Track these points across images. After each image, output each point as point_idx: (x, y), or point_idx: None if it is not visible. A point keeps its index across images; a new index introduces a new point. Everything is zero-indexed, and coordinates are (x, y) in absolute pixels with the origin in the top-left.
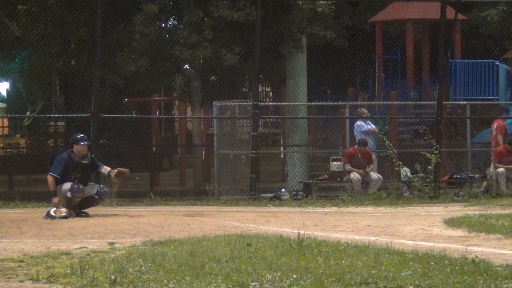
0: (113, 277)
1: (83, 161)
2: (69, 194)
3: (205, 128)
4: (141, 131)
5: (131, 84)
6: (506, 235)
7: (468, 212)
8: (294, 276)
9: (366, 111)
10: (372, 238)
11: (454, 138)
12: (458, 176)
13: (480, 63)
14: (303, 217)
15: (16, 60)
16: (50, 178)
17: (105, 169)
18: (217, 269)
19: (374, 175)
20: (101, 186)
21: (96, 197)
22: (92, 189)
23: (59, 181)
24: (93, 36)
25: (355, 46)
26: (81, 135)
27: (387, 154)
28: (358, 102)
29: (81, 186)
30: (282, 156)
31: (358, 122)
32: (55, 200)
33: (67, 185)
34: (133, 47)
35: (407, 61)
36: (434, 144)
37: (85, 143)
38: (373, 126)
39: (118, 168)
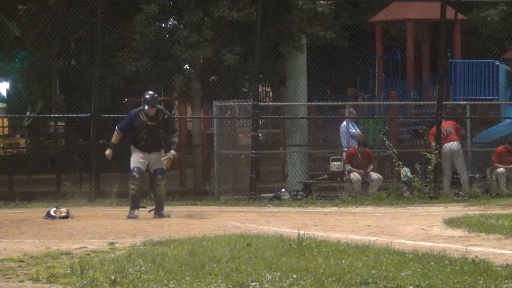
0: (113, 277)
1: (149, 122)
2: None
3: (205, 128)
4: None
5: (131, 84)
6: (506, 235)
7: (468, 212)
8: (294, 276)
9: (354, 112)
10: (372, 238)
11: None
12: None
13: (480, 63)
14: (303, 217)
15: (16, 60)
16: (115, 133)
17: (174, 140)
18: (217, 269)
19: (374, 175)
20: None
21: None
22: (160, 165)
23: (131, 143)
24: (93, 36)
25: (355, 46)
26: (149, 96)
27: (387, 154)
28: (358, 102)
29: (137, 175)
30: (282, 156)
31: (345, 123)
32: (108, 152)
33: (134, 158)
34: (133, 47)
35: (407, 61)
36: (434, 144)
37: (152, 107)
38: (358, 131)
39: (170, 157)
